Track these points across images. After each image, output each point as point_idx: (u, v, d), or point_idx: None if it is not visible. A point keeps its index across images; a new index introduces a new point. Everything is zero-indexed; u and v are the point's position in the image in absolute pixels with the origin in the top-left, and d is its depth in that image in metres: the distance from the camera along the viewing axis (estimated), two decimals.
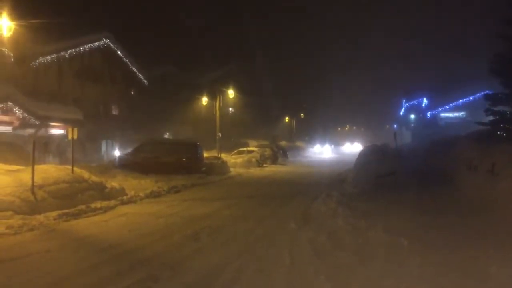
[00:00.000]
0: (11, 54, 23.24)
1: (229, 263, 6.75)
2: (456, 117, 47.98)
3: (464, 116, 46.34)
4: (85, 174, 13.94)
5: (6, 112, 21.48)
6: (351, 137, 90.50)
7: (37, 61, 26.14)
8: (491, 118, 16.00)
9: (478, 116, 19.24)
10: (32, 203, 10.78)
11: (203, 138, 32.67)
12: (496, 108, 15.83)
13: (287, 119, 70.02)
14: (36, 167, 11.83)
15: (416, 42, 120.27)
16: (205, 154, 26.67)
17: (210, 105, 41.08)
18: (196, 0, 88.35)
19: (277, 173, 27.66)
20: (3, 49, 22.66)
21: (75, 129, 14.73)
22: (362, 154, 25.45)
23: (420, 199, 12.71)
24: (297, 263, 6.73)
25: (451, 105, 49.27)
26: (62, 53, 28.20)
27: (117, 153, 24.43)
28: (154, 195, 15.37)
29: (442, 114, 50.13)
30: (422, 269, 6.14)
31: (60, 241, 8.42)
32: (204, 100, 41.88)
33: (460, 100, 48.00)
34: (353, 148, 68.76)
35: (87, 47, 30.67)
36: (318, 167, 34.60)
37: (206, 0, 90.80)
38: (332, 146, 72.25)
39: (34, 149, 12.44)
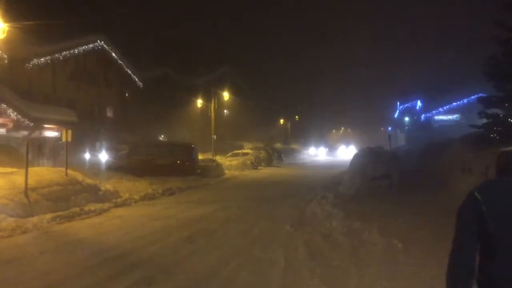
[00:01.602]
0: (5, 56, 23.13)
1: (225, 265, 6.75)
2: (450, 120, 48.12)
3: (458, 118, 46.53)
4: (79, 177, 13.88)
5: (0, 114, 21.36)
6: (345, 140, 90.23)
7: (31, 62, 25.99)
8: (485, 121, 16.06)
9: (472, 119, 19.33)
10: (26, 205, 10.72)
11: (198, 141, 32.65)
12: (489, 111, 15.89)
13: (282, 121, 70.08)
14: (30, 169, 11.77)
15: (411, 45, 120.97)
16: (200, 157, 26.64)
17: (205, 107, 41.10)
18: (192, 1, 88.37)
19: (272, 175, 27.67)
20: None
21: (69, 131, 14.65)
22: (356, 156, 25.48)
23: (414, 201, 12.73)
24: (292, 265, 6.73)
25: (445, 107, 49.43)
26: (56, 55, 28.05)
27: (103, 156, 24.01)
28: (148, 198, 15.33)
29: (436, 117, 50.28)
30: (417, 270, 6.15)
31: (54, 243, 8.37)
32: (199, 102, 41.89)
33: (454, 103, 48.18)
34: (348, 152, 66.75)
35: (81, 49, 30.52)
36: (313, 169, 34.66)
37: (202, 2, 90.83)
38: (327, 149, 72.14)
39: (28, 151, 12.38)
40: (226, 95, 39.79)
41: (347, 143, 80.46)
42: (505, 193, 2.38)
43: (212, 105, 36.31)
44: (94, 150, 28.67)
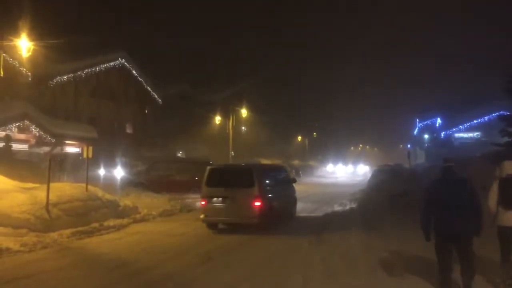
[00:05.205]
0: (29, 73, 23.74)
1: (242, 283, 6.73)
2: (470, 138, 47.32)
3: (479, 136, 45.74)
4: (99, 192, 14.02)
5: (23, 130, 21.84)
6: (360, 157, 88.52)
7: (54, 80, 26.65)
8: (506, 139, 15.84)
9: (493, 137, 19.02)
10: (47, 220, 10.87)
11: (216, 157, 32.73)
12: (511, 129, 15.67)
13: (300, 138, 69.98)
14: (51, 184, 11.95)
15: (431, 62, 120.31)
16: None
17: (224, 124, 41.33)
18: (211, 20, 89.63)
19: None
20: (22, 69, 23.17)
21: (90, 148, 14.85)
22: (375, 174, 25.31)
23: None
24: (309, 283, 6.69)
25: (465, 125, 48.66)
26: (78, 73, 28.72)
27: (119, 172, 24.06)
28: (167, 214, 15.41)
29: (457, 134, 49.51)
30: None
31: (73, 259, 8.47)
32: (218, 119, 42.18)
33: (475, 120, 47.42)
34: (360, 171, 64.70)
35: (103, 66, 31.19)
36: (331, 186, 34.41)
37: (221, 20, 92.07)
38: (346, 166, 71.45)
39: (49, 167, 12.58)
40: (244, 112, 39.97)
41: (355, 162, 77.10)
42: (442, 182, 5.90)
43: (230, 121, 36.50)
44: (113, 166, 28.99)
